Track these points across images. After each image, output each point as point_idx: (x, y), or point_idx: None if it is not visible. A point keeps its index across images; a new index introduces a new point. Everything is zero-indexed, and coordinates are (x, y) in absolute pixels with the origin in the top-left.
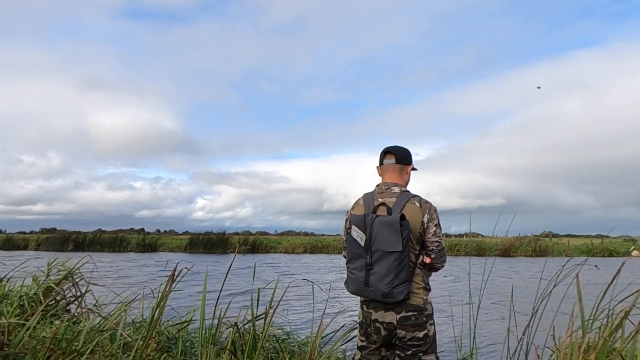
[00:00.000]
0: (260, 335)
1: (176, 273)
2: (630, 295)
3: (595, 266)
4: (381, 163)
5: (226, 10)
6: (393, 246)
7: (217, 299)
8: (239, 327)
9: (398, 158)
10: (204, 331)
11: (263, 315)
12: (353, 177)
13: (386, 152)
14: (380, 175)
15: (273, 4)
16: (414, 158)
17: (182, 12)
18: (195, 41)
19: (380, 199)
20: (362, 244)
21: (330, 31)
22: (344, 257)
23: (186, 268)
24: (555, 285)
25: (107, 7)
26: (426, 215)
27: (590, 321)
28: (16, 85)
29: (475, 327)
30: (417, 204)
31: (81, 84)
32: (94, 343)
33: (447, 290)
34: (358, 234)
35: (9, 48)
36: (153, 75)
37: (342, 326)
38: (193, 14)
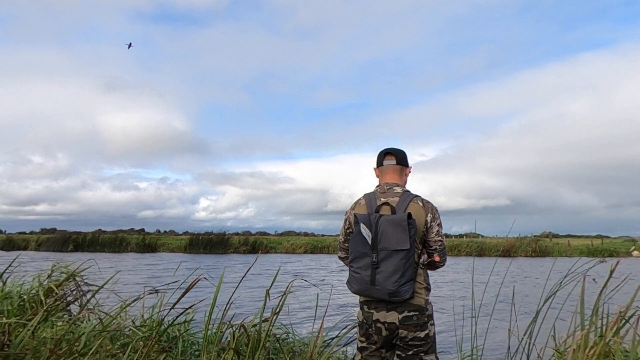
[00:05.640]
0: (263, 335)
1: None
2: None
3: (594, 280)
4: (380, 164)
5: (243, 14)
6: (400, 244)
7: (227, 304)
8: (244, 328)
9: (398, 159)
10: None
11: (267, 318)
12: (358, 177)
13: (386, 153)
14: (377, 176)
15: (297, 10)
16: (419, 158)
17: (200, 16)
18: (211, 44)
19: (382, 199)
20: (370, 242)
21: (342, 34)
22: (339, 257)
23: (205, 278)
24: (558, 290)
25: (127, 11)
26: (429, 215)
27: (588, 322)
28: (33, 87)
29: (476, 327)
30: (420, 204)
31: (99, 86)
32: (96, 344)
33: (447, 290)
34: (366, 232)
35: (30, 51)
36: (167, 78)
37: (344, 327)
38: (210, 18)
